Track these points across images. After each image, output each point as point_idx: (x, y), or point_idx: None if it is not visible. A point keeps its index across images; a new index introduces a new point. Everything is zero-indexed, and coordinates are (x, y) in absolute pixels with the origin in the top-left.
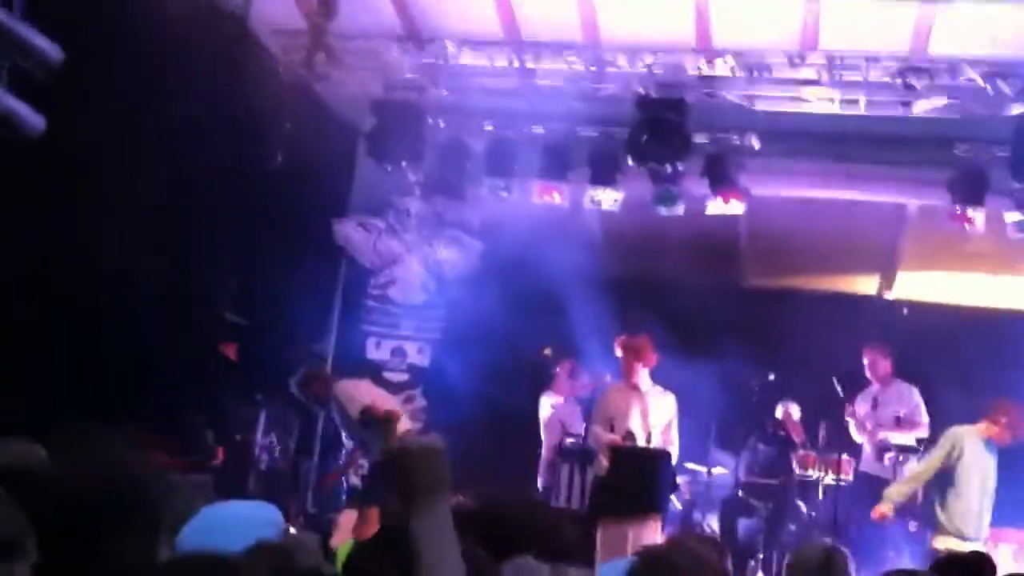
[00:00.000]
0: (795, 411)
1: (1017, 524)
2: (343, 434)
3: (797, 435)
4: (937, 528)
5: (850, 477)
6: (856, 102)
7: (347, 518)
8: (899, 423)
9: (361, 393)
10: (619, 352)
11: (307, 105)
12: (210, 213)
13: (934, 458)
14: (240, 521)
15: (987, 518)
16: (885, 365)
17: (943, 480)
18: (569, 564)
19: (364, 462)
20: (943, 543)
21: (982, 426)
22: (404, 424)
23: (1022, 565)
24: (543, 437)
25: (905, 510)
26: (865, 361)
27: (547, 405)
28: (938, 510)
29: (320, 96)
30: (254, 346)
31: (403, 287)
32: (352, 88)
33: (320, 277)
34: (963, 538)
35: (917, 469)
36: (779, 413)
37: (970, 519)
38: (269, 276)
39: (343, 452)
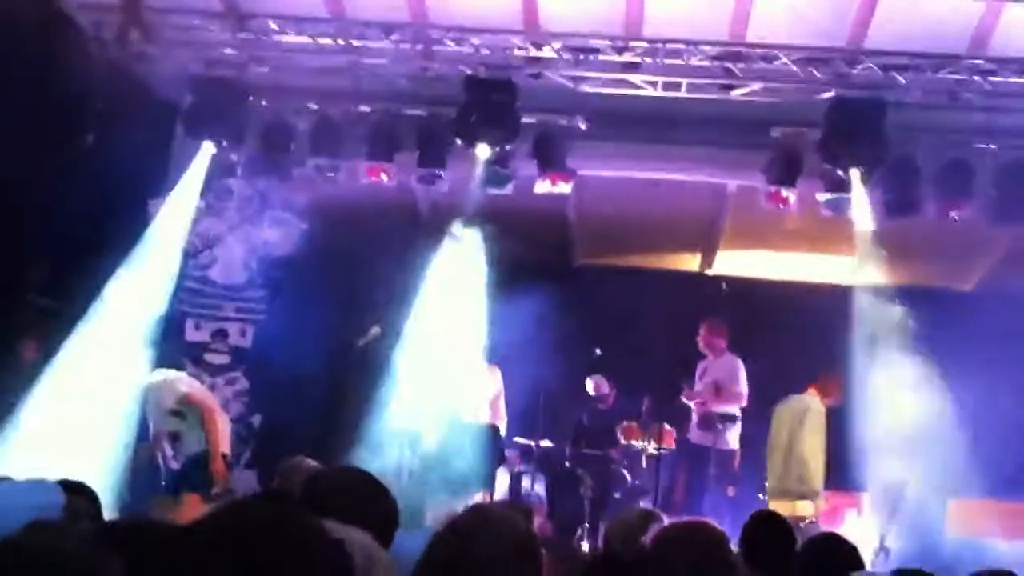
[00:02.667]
0: (602, 384)
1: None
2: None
3: (605, 404)
4: (771, 492)
5: (672, 446)
6: (678, 86)
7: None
8: (718, 392)
9: (181, 383)
10: None
11: (121, 83)
12: (18, 194)
13: (780, 436)
14: (15, 501)
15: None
16: (719, 339)
17: (784, 449)
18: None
19: (170, 450)
20: (779, 505)
21: (810, 392)
22: (221, 416)
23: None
24: None
25: (724, 476)
26: (700, 333)
27: None
28: (773, 477)
29: (136, 73)
30: (68, 328)
31: (224, 267)
32: (170, 65)
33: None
34: (801, 497)
35: (814, 452)
36: (589, 387)
37: (806, 479)
38: (84, 258)
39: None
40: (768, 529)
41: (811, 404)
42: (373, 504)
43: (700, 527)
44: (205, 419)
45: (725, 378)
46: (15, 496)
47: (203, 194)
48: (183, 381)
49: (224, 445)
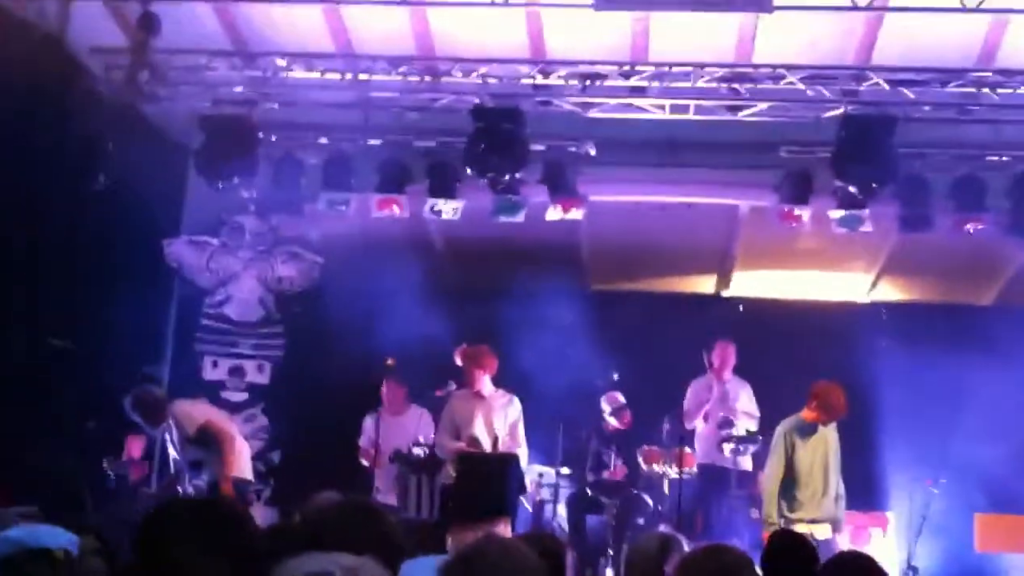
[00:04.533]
0: (616, 398)
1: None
2: (172, 455)
3: (623, 423)
4: (787, 517)
5: (694, 469)
6: (686, 108)
7: None
8: (738, 415)
9: (198, 412)
10: (459, 361)
11: (132, 124)
12: (30, 237)
13: (775, 460)
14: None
15: (837, 497)
16: (733, 360)
17: (787, 474)
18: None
19: (197, 481)
20: (797, 527)
21: (804, 412)
22: (240, 443)
23: (881, 546)
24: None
25: (746, 498)
26: (715, 353)
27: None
28: (784, 502)
29: (146, 115)
30: (83, 370)
31: (239, 305)
32: (179, 105)
33: (152, 298)
34: (813, 521)
35: (767, 477)
36: (604, 405)
37: (816, 502)
38: (98, 299)
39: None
40: (791, 550)
41: (831, 430)
42: (375, 532)
43: (723, 551)
44: (223, 448)
45: (746, 400)
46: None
47: (216, 232)
48: (202, 410)
49: (241, 471)
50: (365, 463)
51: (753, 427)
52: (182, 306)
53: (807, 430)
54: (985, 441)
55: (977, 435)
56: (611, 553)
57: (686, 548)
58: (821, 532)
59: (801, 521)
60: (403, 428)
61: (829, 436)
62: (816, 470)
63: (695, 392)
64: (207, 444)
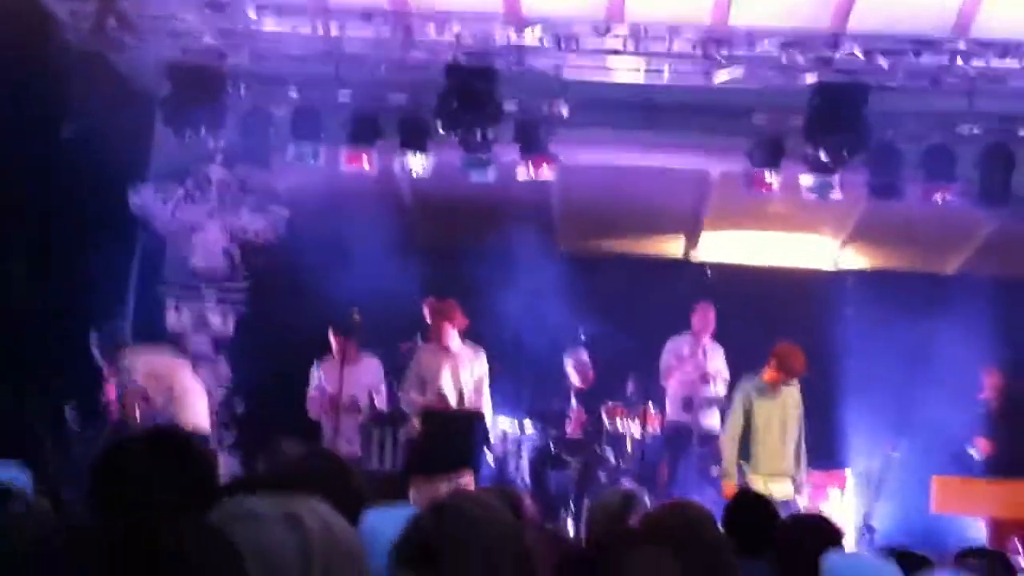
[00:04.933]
0: (581, 355)
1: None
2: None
3: (583, 381)
4: (744, 474)
5: (657, 427)
6: (660, 72)
7: None
8: (710, 378)
9: (148, 365)
10: (427, 314)
11: (99, 73)
12: None
13: (734, 417)
14: None
15: (797, 455)
16: (711, 322)
17: (745, 432)
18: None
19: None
20: (754, 483)
21: (764, 372)
22: (193, 395)
23: (820, 505)
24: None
25: (708, 456)
26: (696, 315)
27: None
28: (743, 460)
29: (113, 63)
30: (47, 322)
31: (204, 255)
32: (147, 54)
33: (117, 247)
34: (771, 475)
35: (726, 435)
36: (569, 365)
37: (777, 460)
38: (65, 247)
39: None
40: (752, 509)
41: (794, 390)
42: (338, 481)
43: (685, 507)
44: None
45: (720, 362)
46: None
47: (182, 182)
48: (152, 363)
49: (195, 423)
50: (313, 413)
51: (723, 390)
52: (146, 255)
53: (765, 389)
54: (945, 406)
55: (937, 400)
56: (573, 508)
57: (648, 505)
58: (780, 490)
59: (758, 476)
60: (357, 378)
61: (788, 397)
62: (774, 428)
63: (672, 350)
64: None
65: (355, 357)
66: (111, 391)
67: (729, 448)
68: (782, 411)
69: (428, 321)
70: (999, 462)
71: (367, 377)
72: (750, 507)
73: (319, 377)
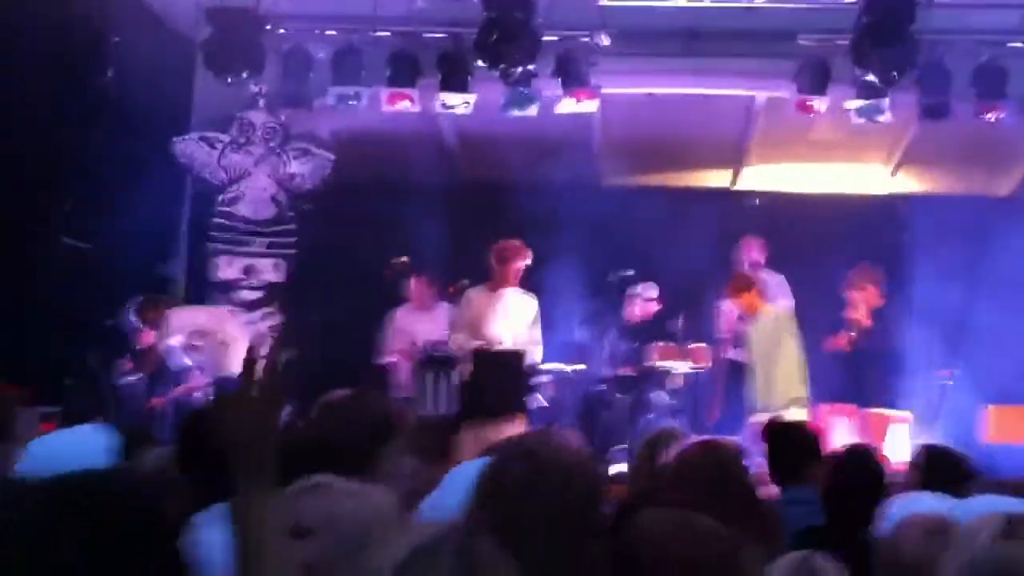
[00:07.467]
0: (651, 291)
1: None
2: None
3: (644, 314)
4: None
5: (708, 364)
6: None
7: None
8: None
9: (191, 318)
10: (495, 258)
11: (137, 17)
12: (38, 132)
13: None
14: (71, 448)
15: (788, 386)
16: (760, 255)
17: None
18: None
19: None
20: (756, 418)
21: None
22: (239, 345)
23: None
24: (392, 348)
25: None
26: (741, 250)
27: (402, 316)
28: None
29: (151, 6)
30: (97, 270)
31: (252, 202)
32: None
33: (164, 196)
34: (767, 411)
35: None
36: (642, 291)
37: (765, 392)
38: (110, 198)
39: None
40: (785, 438)
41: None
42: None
43: (714, 447)
44: (215, 352)
45: (778, 291)
46: (74, 437)
47: (226, 128)
48: (194, 316)
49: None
50: (389, 360)
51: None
52: (195, 204)
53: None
54: (1002, 333)
55: (994, 328)
56: (624, 446)
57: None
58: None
59: (756, 411)
60: (432, 324)
61: (774, 331)
62: (759, 365)
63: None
64: (199, 349)
65: (429, 303)
66: (148, 338)
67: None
68: (765, 338)
69: (495, 264)
70: None
71: (441, 323)
72: (783, 436)
73: (396, 322)
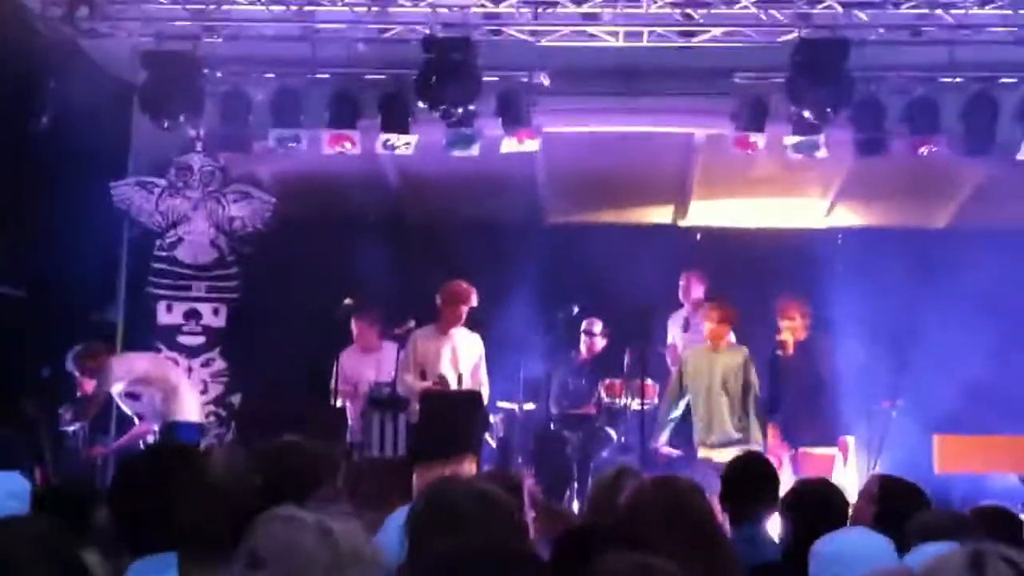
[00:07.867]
0: (596, 326)
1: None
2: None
3: (592, 351)
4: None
5: (656, 400)
6: (640, 36)
7: None
8: None
9: (132, 365)
10: (443, 298)
11: (73, 62)
12: None
13: (670, 389)
14: None
15: (736, 421)
16: (699, 289)
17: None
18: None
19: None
20: (703, 453)
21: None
22: (183, 389)
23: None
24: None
25: None
26: (681, 284)
27: (346, 358)
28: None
29: (87, 51)
30: (33, 318)
31: (191, 247)
32: (120, 41)
33: (101, 241)
34: (713, 446)
35: (661, 408)
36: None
37: (711, 429)
38: (46, 245)
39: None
40: (744, 474)
41: (742, 351)
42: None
43: (670, 483)
44: (158, 397)
45: None
46: None
47: (164, 172)
48: (136, 363)
49: (185, 415)
50: (339, 403)
51: None
52: (133, 249)
53: (700, 354)
54: (942, 362)
55: (934, 357)
56: (576, 486)
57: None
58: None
59: (703, 446)
60: (378, 366)
61: (721, 362)
62: (700, 398)
63: (671, 328)
64: (140, 397)
65: (374, 344)
66: (88, 386)
67: (663, 418)
68: (709, 379)
69: (442, 305)
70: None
71: (388, 364)
72: (743, 472)
73: (344, 365)
